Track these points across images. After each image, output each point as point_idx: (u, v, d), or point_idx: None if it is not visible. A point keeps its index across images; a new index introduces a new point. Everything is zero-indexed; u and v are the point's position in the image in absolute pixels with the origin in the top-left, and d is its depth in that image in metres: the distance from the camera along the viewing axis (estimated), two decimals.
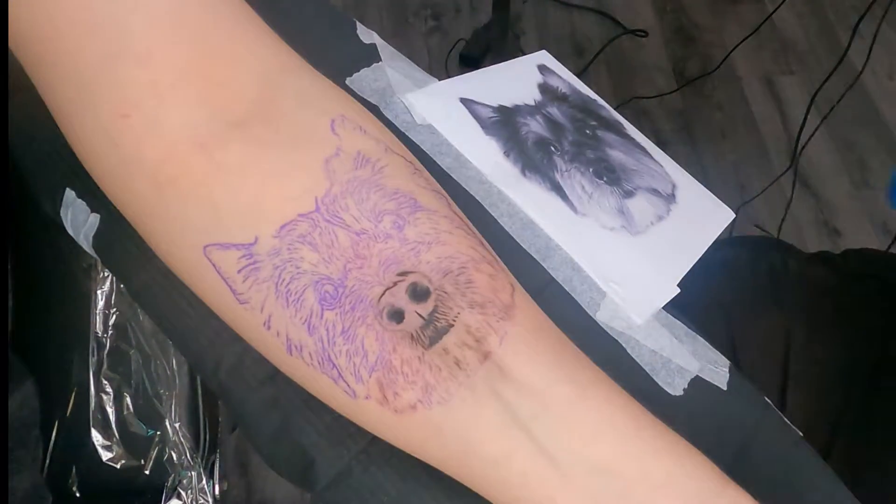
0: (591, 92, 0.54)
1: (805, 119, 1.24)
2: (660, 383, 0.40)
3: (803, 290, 0.66)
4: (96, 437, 0.56)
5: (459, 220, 0.35)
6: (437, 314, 0.31)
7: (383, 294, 0.31)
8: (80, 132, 0.32)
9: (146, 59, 0.30)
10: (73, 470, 0.56)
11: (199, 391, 0.59)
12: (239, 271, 0.31)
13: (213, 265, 0.31)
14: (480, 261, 0.34)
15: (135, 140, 0.31)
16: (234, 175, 0.31)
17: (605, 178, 0.47)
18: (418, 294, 0.31)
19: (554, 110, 0.51)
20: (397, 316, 0.31)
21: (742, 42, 1.49)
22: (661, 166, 0.51)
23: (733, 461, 0.38)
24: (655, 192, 0.49)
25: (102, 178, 0.33)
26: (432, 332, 0.31)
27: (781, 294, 0.66)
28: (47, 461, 0.53)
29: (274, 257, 0.31)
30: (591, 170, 0.47)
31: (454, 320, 0.31)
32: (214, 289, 0.32)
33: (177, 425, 0.58)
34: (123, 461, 0.57)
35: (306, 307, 0.31)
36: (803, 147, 1.40)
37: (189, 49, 0.31)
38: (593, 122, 0.51)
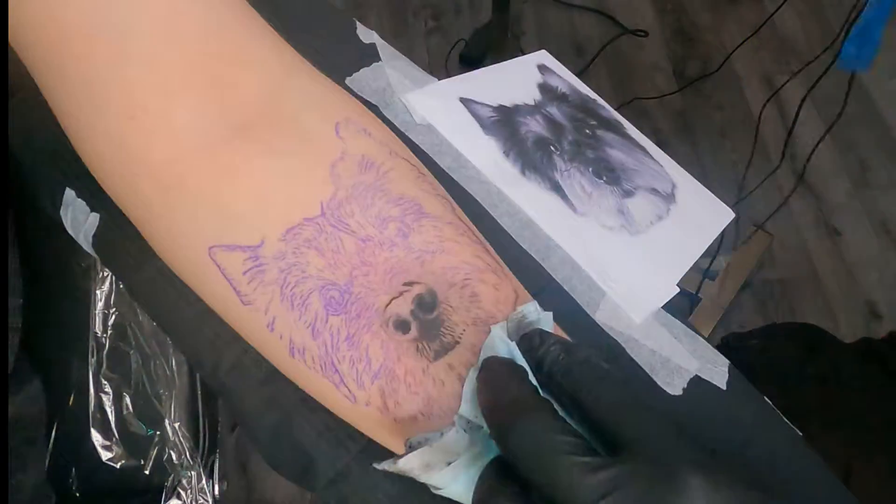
0: (591, 91, 0.54)
1: (797, 114, 1.23)
2: (659, 383, 0.40)
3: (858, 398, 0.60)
4: (96, 437, 0.56)
5: (464, 227, 0.36)
6: (443, 329, 0.32)
7: (389, 303, 0.32)
8: (85, 134, 0.32)
9: (152, 61, 0.30)
10: (73, 470, 0.56)
11: (199, 391, 0.59)
12: (244, 273, 0.31)
13: (218, 266, 0.31)
14: (485, 270, 0.34)
15: (142, 142, 0.31)
16: (241, 177, 0.32)
17: (604, 178, 0.47)
18: (424, 306, 0.32)
19: (553, 110, 0.51)
20: (403, 326, 0.31)
21: (742, 42, 1.49)
22: (661, 165, 0.51)
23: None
24: (655, 191, 0.49)
25: (107, 180, 0.33)
26: (438, 347, 0.32)
27: (834, 408, 0.61)
28: (47, 461, 0.53)
29: (280, 260, 0.31)
30: (590, 169, 0.47)
31: (460, 337, 0.32)
32: (218, 290, 0.32)
33: (177, 425, 0.58)
34: (123, 461, 0.57)
35: (311, 311, 0.31)
36: (788, 140, 1.40)
37: (194, 52, 0.31)
38: (593, 122, 0.51)
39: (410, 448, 0.30)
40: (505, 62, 0.54)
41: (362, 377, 0.31)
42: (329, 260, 0.32)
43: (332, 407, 0.33)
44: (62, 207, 0.43)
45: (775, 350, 0.65)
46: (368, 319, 0.31)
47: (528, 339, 0.30)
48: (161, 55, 0.30)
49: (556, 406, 0.28)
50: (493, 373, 0.29)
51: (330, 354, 0.31)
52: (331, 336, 0.31)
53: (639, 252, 0.45)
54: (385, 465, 0.29)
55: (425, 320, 0.32)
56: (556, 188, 0.46)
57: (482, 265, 0.34)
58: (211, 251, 0.31)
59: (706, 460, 0.24)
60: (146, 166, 0.31)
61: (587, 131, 0.50)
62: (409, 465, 0.29)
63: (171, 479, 0.57)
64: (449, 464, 0.28)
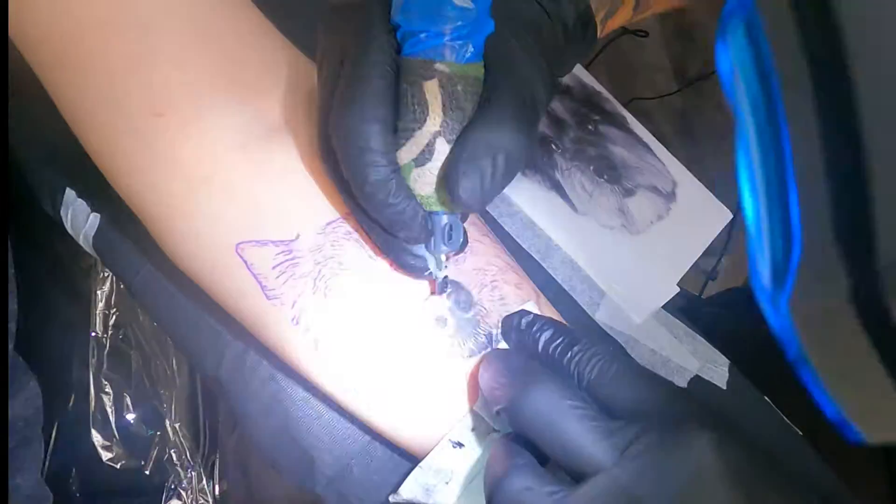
0: (596, 82, 0.53)
1: None
2: None
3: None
4: (96, 437, 0.56)
5: (484, 227, 0.36)
6: (478, 329, 0.33)
7: (428, 299, 0.32)
8: (104, 132, 0.32)
9: (180, 60, 0.30)
10: (73, 470, 0.56)
11: (199, 391, 0.59)
12: (274, 267, 0.31)
13: (245, 262, 0.31)
14: (507, 269, 0.35)
15: (170, 139, 0.31)
16: (278, 175, 0.32)
17: (605, 177, 0.47)
18: (461, 305, 0.33)
19: (556, 105, 0.51)
20: (441, 322, 0.32)
21: None
22: (663, 163, 0.51)
23: None
24: (656, 189, 0.49)
25: (123, 178, 0.33)
26: (473, 346, 0.32)
27: None
28: (47, 461, 0.53)
29: (316, 253, 0.32)
30: (591, 168, 0.47)
31: (492, 338, 0.32)
32: (240, 286, 0.32)
33: (177, 425, 0.58)
34: (123, 461, 0.57)
35: (346, 303, 0.32)
36: None
37: (218, 53, 0.31)
38: (596, 117, 0.51)
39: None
40: None
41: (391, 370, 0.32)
42: (369, 252, 0.32)
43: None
44: (62, 208, 0.43)
45: (733, 315, 0.65)
46: (407, 313, 0.32)
47: (511, 319, 0.31)
48: (189, 55, 0.30)
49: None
50: (495, 354, 0.30)
51: (361, 346, 0.32)
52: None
53: (639, 252, 0.45)
54: (392, 498, 0.31)
55: (462, 318, 0.33)
56: (557, 187, 0.46)
57: (503, 264, 0.35)
58: (238, 247, 0.31)
59: (710, 419, 0.25)
60: (174, 164, 0.31)
61: (590, 127, 0.50)
62: (412, 491, 0.30)
63: (171, 479, 0.57)
64: (447, 483, 0.29)
